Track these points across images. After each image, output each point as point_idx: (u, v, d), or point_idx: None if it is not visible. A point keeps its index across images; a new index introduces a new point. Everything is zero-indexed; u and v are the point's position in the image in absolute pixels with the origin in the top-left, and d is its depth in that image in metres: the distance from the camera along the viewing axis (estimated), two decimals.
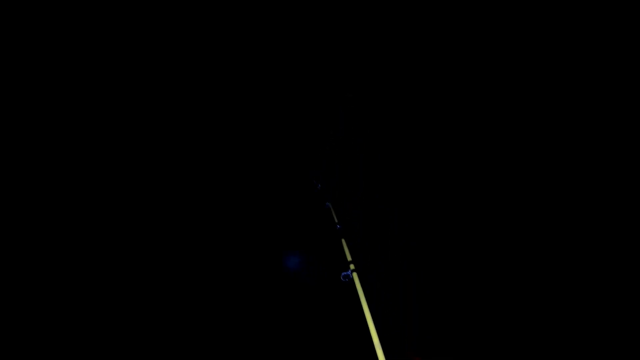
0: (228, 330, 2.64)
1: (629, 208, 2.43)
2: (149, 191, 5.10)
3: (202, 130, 6.44)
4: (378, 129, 6.15)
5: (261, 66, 6.76)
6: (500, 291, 2.11)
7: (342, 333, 2.30)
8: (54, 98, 4.68)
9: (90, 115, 4.99)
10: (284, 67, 6.89)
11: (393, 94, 6.09)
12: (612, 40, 3.23)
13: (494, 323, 1.90)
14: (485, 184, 3.56)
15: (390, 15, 5.82)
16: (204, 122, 6.49)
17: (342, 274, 3.03)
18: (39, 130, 4.46)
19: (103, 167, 4.89)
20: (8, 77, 4.29)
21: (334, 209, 4.89)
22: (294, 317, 2.73)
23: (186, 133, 6.21)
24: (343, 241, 3.70)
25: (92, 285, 3.11)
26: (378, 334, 1.87)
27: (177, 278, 3.34)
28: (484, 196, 3.37)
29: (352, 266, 3.10)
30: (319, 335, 2.40)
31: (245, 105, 6.96)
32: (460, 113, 4.79)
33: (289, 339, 2.46)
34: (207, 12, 5.85)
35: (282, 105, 7.23)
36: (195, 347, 2.29)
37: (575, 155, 3.24)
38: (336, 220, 4.44)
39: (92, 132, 4.95)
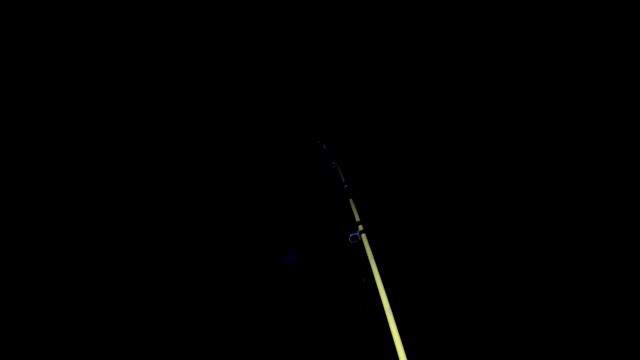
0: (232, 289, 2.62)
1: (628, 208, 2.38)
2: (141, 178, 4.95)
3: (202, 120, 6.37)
4: (378, 129, 6.02)
5: (262, 65, 6.67)
6: (500, 291, 2.05)
7: (351, 300, 2.24)
8: (54, 98, 4.53)
9: (90, 115, 4.85)
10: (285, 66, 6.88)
11: (393, 94, 5.96)
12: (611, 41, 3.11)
13: (494, 323, 1.86)
14: (485, 184, 3.50)
15: (389, 16, 5.58)
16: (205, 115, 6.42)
17: (351, 235, 2.93)
18: (39, 130, 4.33)
19: (103, 167, 4.76)
20: (8, 77, 4.12)
21: (340, 168, 4.73)
22: (301, 285, 2.68)
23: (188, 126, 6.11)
24: (351, 201, 3.58)
25: (92, 285, 3.04)
26: (389, 299, 1.79)
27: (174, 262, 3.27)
28: (484, 196, 3.30)
29: (360, 227, 2.99)
30: (327, 304, 2.34)
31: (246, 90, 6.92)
32: (460, 113, 4.70)
33: (297, 304, 2.43)
34: (209, 11, 5.67)
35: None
36: (195, 343, 2.24)
37: (575, 156, 3.20)
38: (343, 180, 4.30)
39: (92, 132, 4.81)
